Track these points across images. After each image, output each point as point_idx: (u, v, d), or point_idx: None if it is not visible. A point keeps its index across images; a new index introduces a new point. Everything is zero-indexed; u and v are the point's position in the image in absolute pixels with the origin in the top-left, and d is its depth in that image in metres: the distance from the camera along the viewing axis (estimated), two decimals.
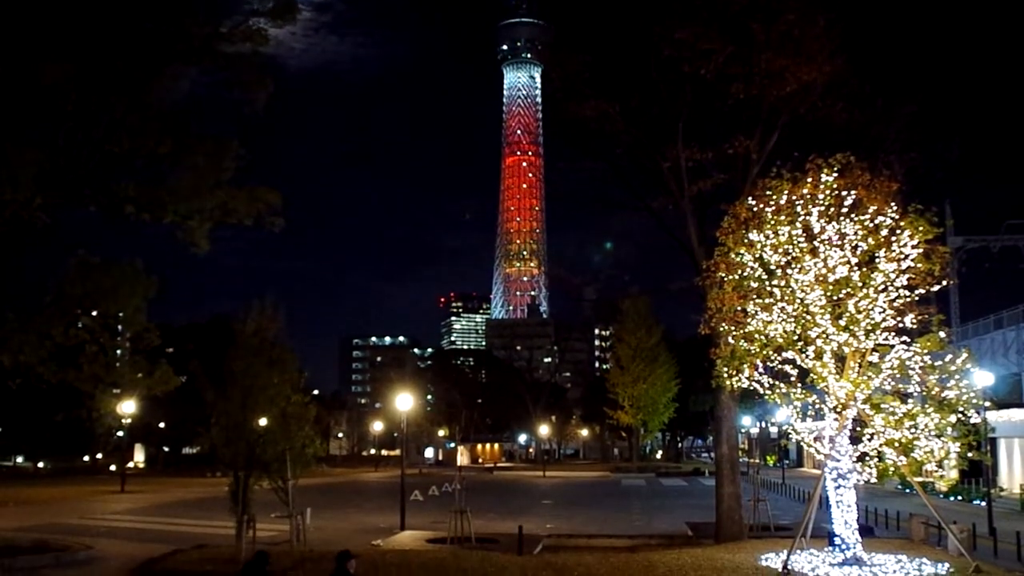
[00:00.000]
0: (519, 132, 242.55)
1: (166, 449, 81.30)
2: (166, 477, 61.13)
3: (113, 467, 64.08)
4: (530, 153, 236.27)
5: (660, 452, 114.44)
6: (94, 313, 19.99)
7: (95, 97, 17.90)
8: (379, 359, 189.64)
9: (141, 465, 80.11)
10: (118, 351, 21.93)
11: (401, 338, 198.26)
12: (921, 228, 16.21)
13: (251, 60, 18.54)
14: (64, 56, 16.86)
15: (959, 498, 39.55)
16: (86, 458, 76.17)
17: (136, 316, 20.45)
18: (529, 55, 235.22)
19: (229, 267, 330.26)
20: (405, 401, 32.26)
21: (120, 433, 55.23)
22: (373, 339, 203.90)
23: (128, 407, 42.03)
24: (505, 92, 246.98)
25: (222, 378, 20.25)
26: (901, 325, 16.51)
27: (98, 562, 20.01)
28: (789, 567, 16.17)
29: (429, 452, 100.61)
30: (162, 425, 70.49)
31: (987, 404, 20.83)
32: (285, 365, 20.58)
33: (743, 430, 65.74)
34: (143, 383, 21.98)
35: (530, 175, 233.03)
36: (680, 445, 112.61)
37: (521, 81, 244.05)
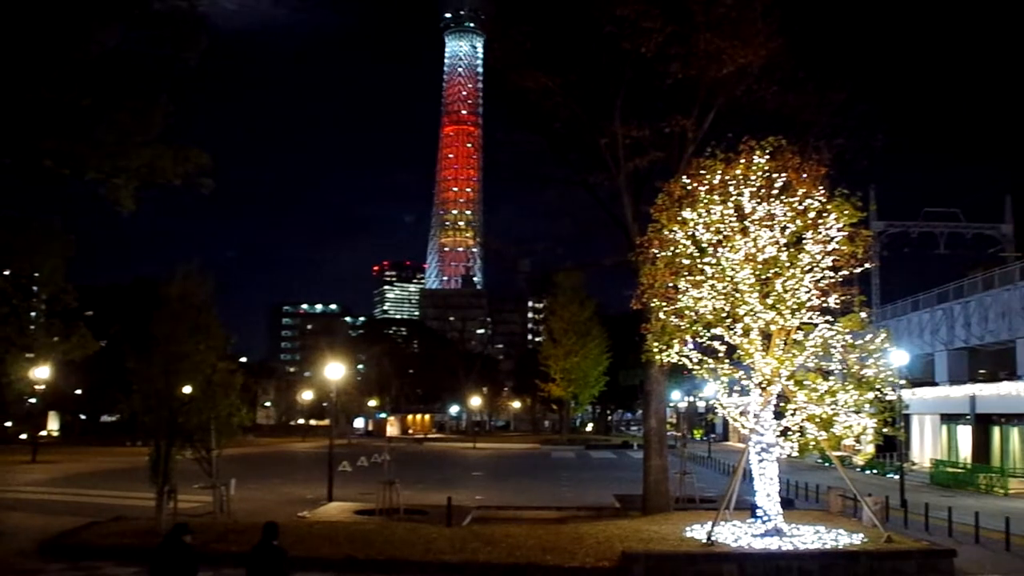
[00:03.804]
0: (459, 102, 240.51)
1: (83, 417, 78.86)
2: (82, 446, 59.22)
3: (24, 436, 61.78)
4: (469, 123, 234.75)
5: (590, 425, 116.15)
6: (6, 272, 19.12)
7: (11, 46, 16.95)
8: (309, 327, 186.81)
9: (55, 433, 77.50)
10: (32, 313, 21.03)
11: (333, 306, 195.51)
12: (846, 212, 16.66)
13: (185, 15, 17.80)
14: None
15: (875, 471, 41.25)
16: None
17: (53, 276, 19.66)
18: (472, 24, 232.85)
19: (158, 231, 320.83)
20: (335, 370, 31.87)
21: (33, 400, 53.32)
22: (304, 306, 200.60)
23: (42, 372, 40.47)
24: (446, 61, 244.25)
25: (145, 343, 19.64)
26: (825, 305, 16.94)
27: (5, 537, 19.14)
28: (713, 538, 16.55)
29: (359, 422, 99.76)
30: (79, 391, 68.25)
31: (902, 382, 21.67)
32: (211, 331, 20.06)
33: (671, 404, 67.12)
34: (59, 347, 21.26)
35: (468, 145, 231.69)
36: (610, 418, 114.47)
37: (463, 50, 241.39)
